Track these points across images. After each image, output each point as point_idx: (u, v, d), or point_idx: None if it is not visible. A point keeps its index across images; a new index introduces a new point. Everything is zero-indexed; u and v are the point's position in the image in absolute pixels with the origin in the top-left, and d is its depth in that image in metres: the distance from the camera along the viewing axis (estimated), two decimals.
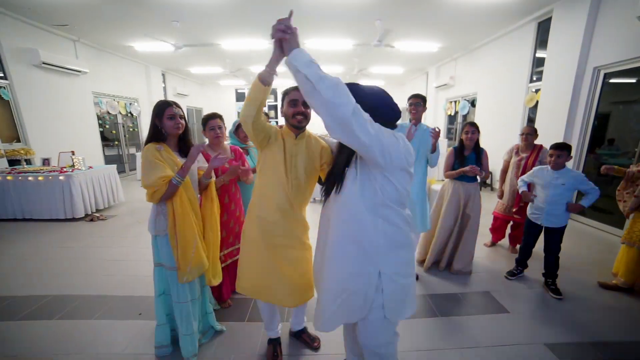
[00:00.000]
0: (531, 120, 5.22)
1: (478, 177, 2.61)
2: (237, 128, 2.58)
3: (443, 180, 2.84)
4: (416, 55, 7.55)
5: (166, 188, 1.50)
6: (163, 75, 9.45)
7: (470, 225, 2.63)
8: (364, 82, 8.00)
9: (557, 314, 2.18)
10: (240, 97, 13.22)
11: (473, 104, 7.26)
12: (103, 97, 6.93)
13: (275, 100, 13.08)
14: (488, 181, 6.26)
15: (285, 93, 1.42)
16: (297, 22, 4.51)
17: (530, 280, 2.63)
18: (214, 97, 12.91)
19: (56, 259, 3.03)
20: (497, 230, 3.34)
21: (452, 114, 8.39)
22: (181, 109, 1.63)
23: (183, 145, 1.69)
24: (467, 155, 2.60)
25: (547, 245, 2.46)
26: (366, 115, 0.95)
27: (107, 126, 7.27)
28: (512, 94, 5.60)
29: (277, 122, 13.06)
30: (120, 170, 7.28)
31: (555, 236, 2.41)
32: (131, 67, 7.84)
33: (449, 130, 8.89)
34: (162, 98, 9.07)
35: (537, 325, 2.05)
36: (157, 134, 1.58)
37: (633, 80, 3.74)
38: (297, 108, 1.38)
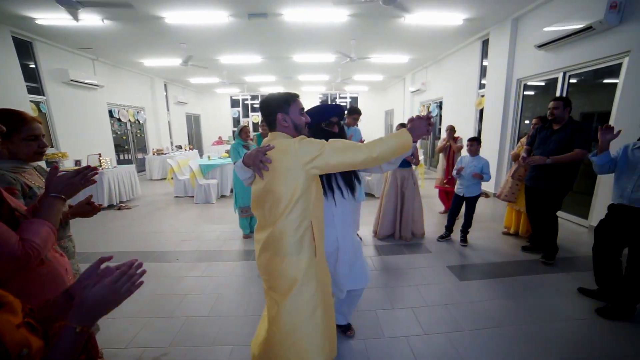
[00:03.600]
0: (480, 120, 6.32)
1: (412, 165, 3.60)
2: (240, 131, 3.57)
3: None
4: (391, 65, 8.63)
5: None
6: (165, 85, 10.38)
7: (407, 201, 3.54)
8: (349, 88, 9.40)
9: (463, 251, 3.22)
10: (234, 103, 14.16)
11: (441, 106, 8.36)
12: (115, 107, 7.85)
13: None
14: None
15: (291, 100, 1.31)
16: (285, 40, 5.78)
17: (454, 240, 3.62)
18: (210, 104, 13.84)
19: (103, 234, 3.97)
20: (442, 200, 4.59)
21: None
22: None
23: None
24: None
25: (466, 209, 3.46)
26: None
27: (118, 132, 8.18)
28: (466, 98, 6.69)
29: None
30: None
31: (472, 202, 3.41)
32: (138, 80, 8.78)
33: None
34: (165, 106, 10.09)
35: (445, 257, 3.08)
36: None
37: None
38: (305, 117, 1.35)
